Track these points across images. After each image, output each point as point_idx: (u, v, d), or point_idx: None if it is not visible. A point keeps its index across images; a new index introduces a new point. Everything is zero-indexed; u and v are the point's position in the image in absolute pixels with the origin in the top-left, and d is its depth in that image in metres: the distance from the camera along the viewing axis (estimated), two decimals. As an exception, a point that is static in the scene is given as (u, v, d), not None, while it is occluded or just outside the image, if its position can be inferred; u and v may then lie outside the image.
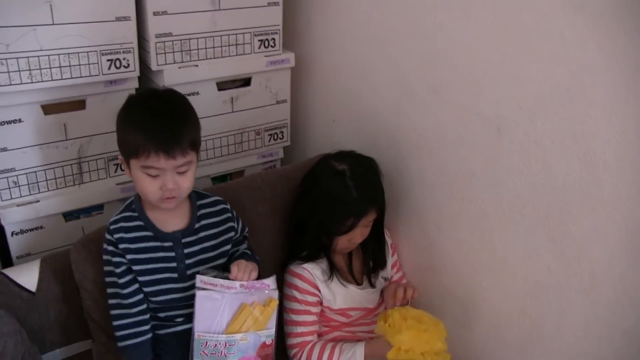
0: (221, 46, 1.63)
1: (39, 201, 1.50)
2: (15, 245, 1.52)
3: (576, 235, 1.22)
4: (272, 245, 1.55)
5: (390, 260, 1.59)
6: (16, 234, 1.51)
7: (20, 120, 1.41)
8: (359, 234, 1.45)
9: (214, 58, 1.63)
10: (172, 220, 1.31)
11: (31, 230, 1.52)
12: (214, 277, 1.24)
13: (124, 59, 1.48)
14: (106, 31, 1.43)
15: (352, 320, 1.51)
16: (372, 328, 1.50)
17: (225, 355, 1.23)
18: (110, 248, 1.27)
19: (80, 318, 1.36)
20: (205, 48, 1.60)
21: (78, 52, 1.41)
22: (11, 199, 1.46)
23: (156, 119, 1.22)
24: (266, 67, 1.73)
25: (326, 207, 1.42)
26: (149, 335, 1.30)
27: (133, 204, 1.31)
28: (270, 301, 1.28)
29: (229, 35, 1.63)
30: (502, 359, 1.44)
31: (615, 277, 1.18)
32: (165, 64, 1.56)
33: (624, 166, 1.11)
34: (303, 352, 1.43)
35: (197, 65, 1.60)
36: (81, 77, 1.43)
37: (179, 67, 1.58)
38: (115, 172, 1.60)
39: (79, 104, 1.49)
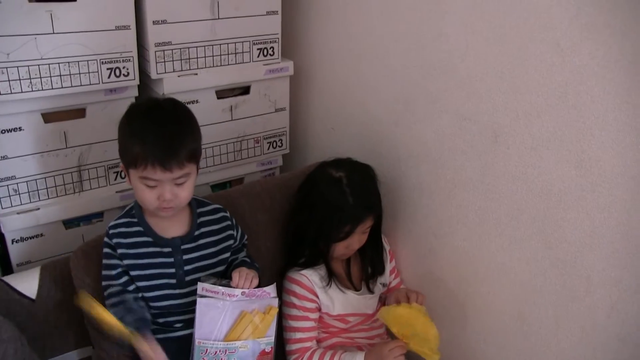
0: (220, 55, 1.64)
1: (39, 209, 1.50)
2: (15, 252, 1.52)
3: (572, 241, 1.23)
4: (271, 252, 1.56)
5: (388, 266, 1.59)
6: (16, 242, 1.51)
7: (20, 129, 1.42)
8: (357, 240, 1.45)
9: (213, 66, 1.64)
10: (172, 226, 1.32)
11: (31, 237, 1.53)
12: (215, 284, 1.25)
13: (123, 67, 1.49)
14: (106, 40, 1.44)
15: (351, 326, 1.51)
16: (371, 334, 1.52)
17: None
18: (108, 250, 1.29)
19: (80, 325, 1.36)
20: (205, 57, 1.62)
21: (78, 61, 1.42)
22: (11, 206, 1.47)
23: (155, 130, 1.22)
24: (265, 76, 1.75)
25: (323, 214, 1.43)
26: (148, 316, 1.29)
27: (133, 210, 1.32)
28: (270, 309, 1.28)
29: (228, 44, 1.64)
30: (500, 364, 1.45)
31: (610, 283, 1.18)
32: (165, 72, 1.57)
33: (618, 172, 1.12)
34: (302, 358, 1.43)
35: (197, 74, 1.62)
36: (81, 85, 1.45)
37: (179, 76, 1.59)
38: (115, 180, 1.61)
39: (79, 112, 1.50)
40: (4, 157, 1.42)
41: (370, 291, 1.53)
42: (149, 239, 1.30)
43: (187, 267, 1.31)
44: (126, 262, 1.27)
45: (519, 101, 1.25)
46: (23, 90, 1.37)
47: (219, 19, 1.60)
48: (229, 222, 1.40)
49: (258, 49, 1.71)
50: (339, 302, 1.48)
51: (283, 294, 1.48)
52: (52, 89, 1.41)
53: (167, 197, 1.22)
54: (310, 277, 1.47)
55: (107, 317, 1.15)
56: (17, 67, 1.34)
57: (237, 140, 1.78)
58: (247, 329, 1.26)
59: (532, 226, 1.29)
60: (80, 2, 1.38)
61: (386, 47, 1.56)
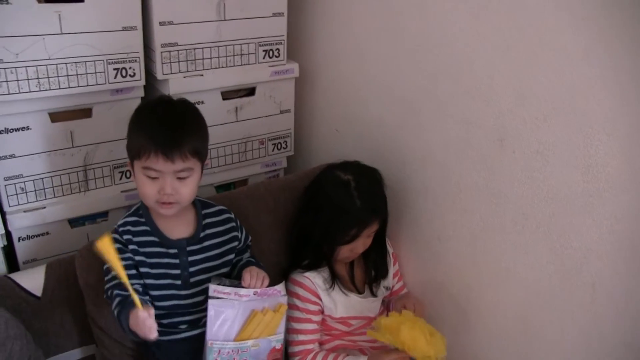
0: (226, 56, 1.65)
1: (45, 207, 1.51)
2: (21, 250, 1.53)
3: (578, 247, 1.22)
4: (275, 253, 1.56)
5: (391, 270, 1.59)
6: (23, 240, 1.52)
7: (28, 128, 1.43)
8: (361, 244, 1.45)
9: (219, 68, 1.65)
10: (178, 227, 1.32)
11: (37, 236, 1.54)
12: (225, 285, 1.26)
13: (130, 68, 1.50)
14: (113, 41, 1.45)
15: (353, 329, 1.51)
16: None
17: None
18: (118, 246, 1.26)
19: (84, 323, 1.37)
20: (210, 58, 1.62)
21: (85, 61, 1.43)
22: (18, 204, 1.48)
23: (161, 122, 1.23)
24: (270, 77, 1.75)
25: (330, 217, 1.43)
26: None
27: (140, 210, 1.32)
28: (280, 307, 1.30)
29: (233, 45, 1.65)
30: (504, 369, 1.45)
31: (616, 290, 1.18)
32: (171, 73, 1.57)
33: (625, 178, 1.12)
34: (305, 360, 1.44)
35: (202, 75, 1.62)
36: (88, 85, 1.45)
37: (184, 77, 1.59)
38: (120, 179, 1.62)
39: (85, 112, 1.50)
40: (12, 156, 1.43)
41: (374, 294, 1.53)
42: (156, 239, 1.30)
43: (192, 269, 1.31)
44: (137, 258, 1.27)
45: (525, 106, 1.25)
46: (31, 90, 1.38)
47: (224, 20, 1.60)
48: (233, 224, 1.40)
49: (264, 51, 1.71)
50: (342, 304, 1.48)
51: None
52: (60, 88, 1.41)
53: (168, 191, 1.21)
54: (314, 280, 1.47)
55: (120, 270, 1.13)
56: (26, 67, 1.35)
57: (242, 142, 1.78)
58: (258, 328, 1.28)
59: (537, 231, 1.29)
60: (88, 3, 1.39)
61: (392, 49, 1.56)
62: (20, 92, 1.36)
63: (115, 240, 1.27)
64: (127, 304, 1.18)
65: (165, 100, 1.32)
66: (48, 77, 1.39)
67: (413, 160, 1.56)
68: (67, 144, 1.49)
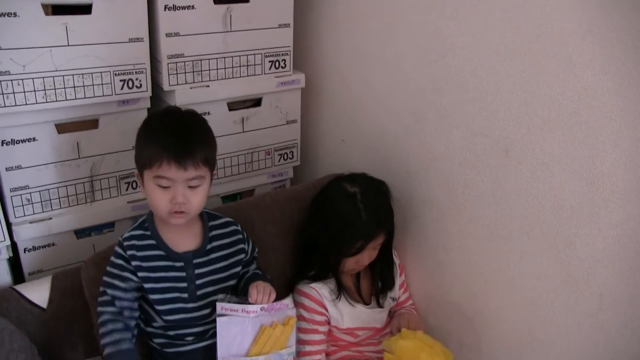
0: (232, 67, 1.65)
1: (51, 218, 1.51)
2: (27, 261, 1.53)
3: (584, 257, 1.22)
4: (281, 264, 1.56)
5: (398, 281, 1.59)
6: (28, 251, 1.52)
7: (34, 139, 1.43)
8: (367, 256, 1.45)
9: (225, 79, 1.65)
10: (184, 240, 1.32)
11: (43, 247, 1.54)
12: (232, 302, 1.26)
13: (136, 79, 1.50)
14: (119, 52, 1.46)
15: (360, 340, 1.51)
16: (380, 348, 1.51)
17: None
18: (120, 262, 1.27)
19: (90, 335, 1.37)
20: (217, 69, 1.63)
21: (92, 73, 1.43)
22: (24, 215, 1.48)
23: (172, 132, 1.24)
24: (277, 88, 1.75)
25: (336, 229, 1.43)
26: (133, 343, 1.27)
27: (146, 222, 1.32)
28: (289, 319, 1.30)
29: (240, 56, 1.65)
30: (510, 380, 1.44)
31: (623, 300, 1.17)
32: (177, 84, 1.58)
33: (631, 188, 1.12)
34: (312, 371, 1.43)
35: (209, 86, 1.63)
36: (94, 97, 1.46)
37: (191, 88, 1.60)
38: (127, 190, 1.62)
39: (92, 123, 1.51)
40: (18, 167, 1.43)
41: (380, 305, 1.52)
42: (162, 253, 1.29)
43: (198, 282, 1.31)
44: (140, 274, 1.27)
45: (531, 116, 1.25)
46: (38, 102, 1.38)
47: (231, 31, 1.61)
48: (240, 236, 1.40)
49: (270, 62, 1.72)
50: (348, 315, 1.48)
51: (292, 307, 1.48)
52: (66, 100, 1.42)
53: (179, 200, 1.21)
54: (320, 290, 1.46)
55: None
56: (33, 78, 1.36)
57: (248, 152, 1.79)
58: (269, 343, 1.27)
59: (543, 242, 1.29)
60: (95, 15, 1.39)
61: (397, 60, 1.57)
62: (27, 104, 1.37)
63: (118, 256, 1.28)
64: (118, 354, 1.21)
65: (173, 111, 1.33)
66: (55, 89, 1.39)
67: (418, 170, 1.56)
68: (74, 155, 1.50)
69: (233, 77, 1.67)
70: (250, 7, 1.61)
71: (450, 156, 1.46)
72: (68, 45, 1.38)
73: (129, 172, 1.59)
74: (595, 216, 1.18)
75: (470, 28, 1.34)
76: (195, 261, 1.31)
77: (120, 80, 1.48)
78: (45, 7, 1.33)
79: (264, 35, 1.67)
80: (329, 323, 1.48)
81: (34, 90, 1.37)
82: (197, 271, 1.31)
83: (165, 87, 1.57)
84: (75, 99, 1.43)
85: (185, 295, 1.30)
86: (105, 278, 1.28)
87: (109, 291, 1.26)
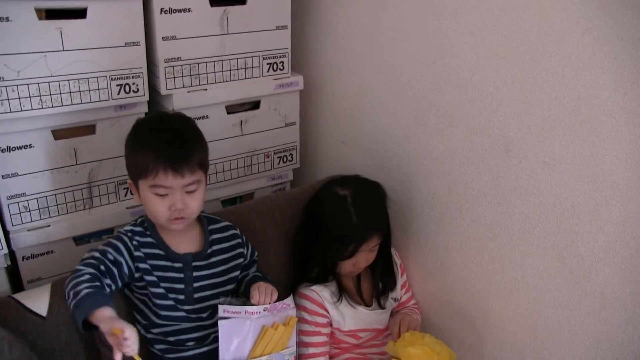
0: (230, 70, 1.64)
1: (49, 226, 1.50)
2: (26, 269, 1.52)
3: (585, 256, 1.22)
4: (282, 267, 1.55)
5: (399, 281, 1.58)
6: (27, 259, 1.51)
7: (30, 146, 1.42)
8: (363, 258, 1.45)
9: (223, 82, 1.64)
10: (184, 242, 1.32)
11: (42, 254, 1.53)
12: (233, 304, 1.26)
13: (133, 83, 1.49)
14: (116, 56, 1.45)
15: (362, 342, 1.50)
16: (383, 349, 1.50)
17: None
18: (118, 244, 1.24)
19: (90, 343, 1.36)
20: (214, 72, 1.62)
21: (88, 78, 1.42)
22: (22, 223, 1.47)
23: (164, 139, 1.23)
24: (275, 90, 1.75)
25: (328, 233, 1.43)
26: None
27: (145, 222, 1.31)
28: (290, 319, 1.30)
29: (237, 59, 1.65)
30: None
31: (625, 298, 1.17)
32: (175, 88, 1.57)
33: (632, 187, 1.11)
34: (315, 374, 1.43)
35: (206, 89, 1.62)
36: (91, 102, 1.45)
37: (188, 91, 1.59)
38: (125, 196, 1.61)
39: (88, 129, 1.50)
40: (15, 174, 1.42)
41: (381, 307, 1.52)
42: (161, 252, 1.29)
43: (196, 284, 1.30)
44: (142, 265, 1.26)
45: (531, 115, 1.24)
46: (33, 108, 1.37)
47: (228, 34, 1.60)
48: (239, 240, 1.40)
49: (268, 64, 1.71)
50: (350, 317, 1.47)
51: (294, 310, 1.48)
52: (62, 105, 1.41)
53: (179, 206, 1.21)
54: (320, 293, 1.46)
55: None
56: (28, 84, 1.35)
57: (248, 155, 1.78)
58: (270, 343, 1.28)
59: (545, 241, 1.28)
60: (90, 19, 1.38)
61: (396, 61, 1.56)
62: (22, 110, 1.36)
63: (119, 240, 1.26)
64: (94, 300, 1.12)
65: (161, 116, 1.32)
66: (50, 95, 1.38)
67: (419, 171, 1.55)
68: (71, 161, 1.49)
69: (231, 80, 1.66)
70: (247, 9, 1.61)
71: (451, 156, 1.45)
72: (63, 50, 1.37)
73: (127, 178, 1.58)
74: (596, 214, 1.18)
75: (469, 27, 1.33)
76: (194, 264, 1.31)
77: (117, 85, 1.47)
78: (39, 11, 1.32)
79: (261, 38, 1.67)
80: (331, 325, 1.47)
81: (29, 97, 1.36)
82: (195, 274, 1.30)
83: (163, 91, 1.56)
84: (72, 104, 1.42)
85: (182, 296, 1.29)
86: (100, 246, 1.24)
87: (97, 254, 1.22)
